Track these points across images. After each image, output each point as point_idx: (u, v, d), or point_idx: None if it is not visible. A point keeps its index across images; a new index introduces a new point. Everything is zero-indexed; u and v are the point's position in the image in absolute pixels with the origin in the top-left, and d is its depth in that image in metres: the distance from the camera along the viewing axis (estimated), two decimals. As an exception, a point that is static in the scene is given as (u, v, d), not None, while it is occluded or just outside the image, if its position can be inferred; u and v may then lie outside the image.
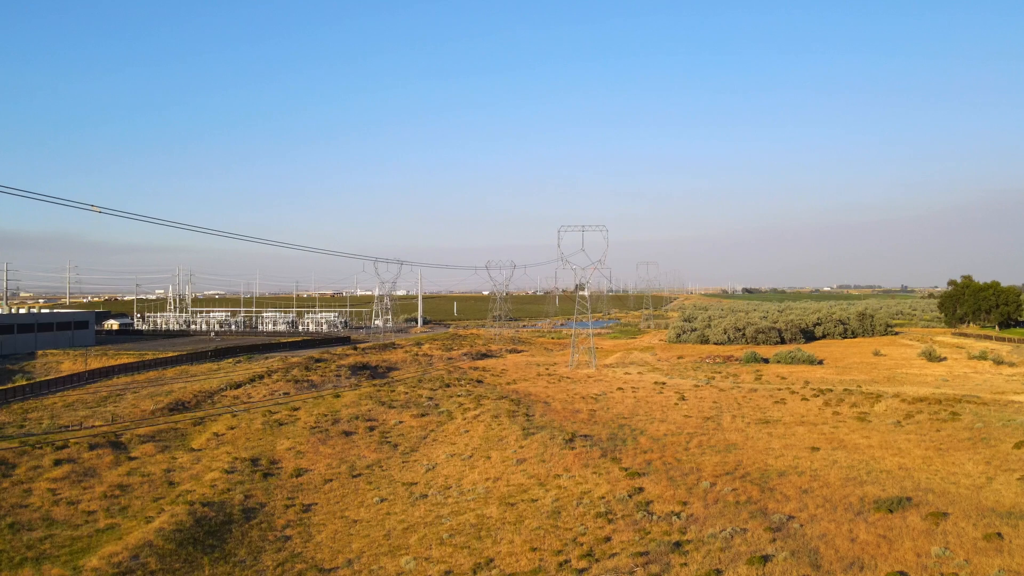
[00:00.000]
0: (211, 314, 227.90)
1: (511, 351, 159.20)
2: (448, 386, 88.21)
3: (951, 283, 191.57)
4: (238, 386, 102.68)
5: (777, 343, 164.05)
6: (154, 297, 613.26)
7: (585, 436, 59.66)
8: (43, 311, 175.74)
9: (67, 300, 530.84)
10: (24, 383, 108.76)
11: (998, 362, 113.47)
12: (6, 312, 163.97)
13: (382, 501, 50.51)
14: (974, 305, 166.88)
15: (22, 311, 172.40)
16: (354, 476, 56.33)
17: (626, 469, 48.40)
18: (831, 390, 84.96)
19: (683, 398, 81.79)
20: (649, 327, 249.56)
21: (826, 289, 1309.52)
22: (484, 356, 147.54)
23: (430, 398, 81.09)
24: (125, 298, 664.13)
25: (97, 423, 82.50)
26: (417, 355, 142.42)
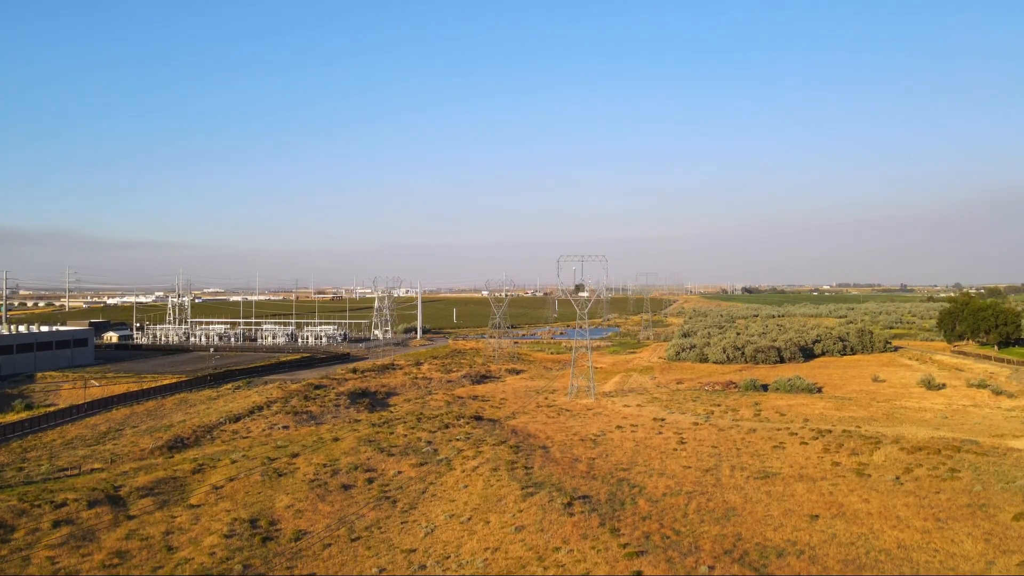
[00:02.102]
0: (210, 327, 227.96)
1: (510, 371, 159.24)
2: (447, 427, 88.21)
3: (950, 299, 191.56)
4: (237, 419, 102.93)
5: (776, 362, 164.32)
6: (153, 298, 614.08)
7: (584, 497, 59.64)
8: (42, 328, 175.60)
9: (67, 302, 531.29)
10: (24, 415, 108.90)
11: (997, 392, 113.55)
12: (5, 331, 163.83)
13: (381, 572, 50.50)
14: (973, 324, 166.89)
15: (21, 328, 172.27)
16: (353, 540, 56.27)
17: (625, 545, 48.38)
18: (830, 431, 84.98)
19: (682, 441, 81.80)
20: (648, 338, 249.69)
21: (825, 288, 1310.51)
22: (484, 378, 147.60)
23: (429, 442, 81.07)
24: (124, 299, 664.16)
25: (96, 465, 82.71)
26: (416, 378, 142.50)
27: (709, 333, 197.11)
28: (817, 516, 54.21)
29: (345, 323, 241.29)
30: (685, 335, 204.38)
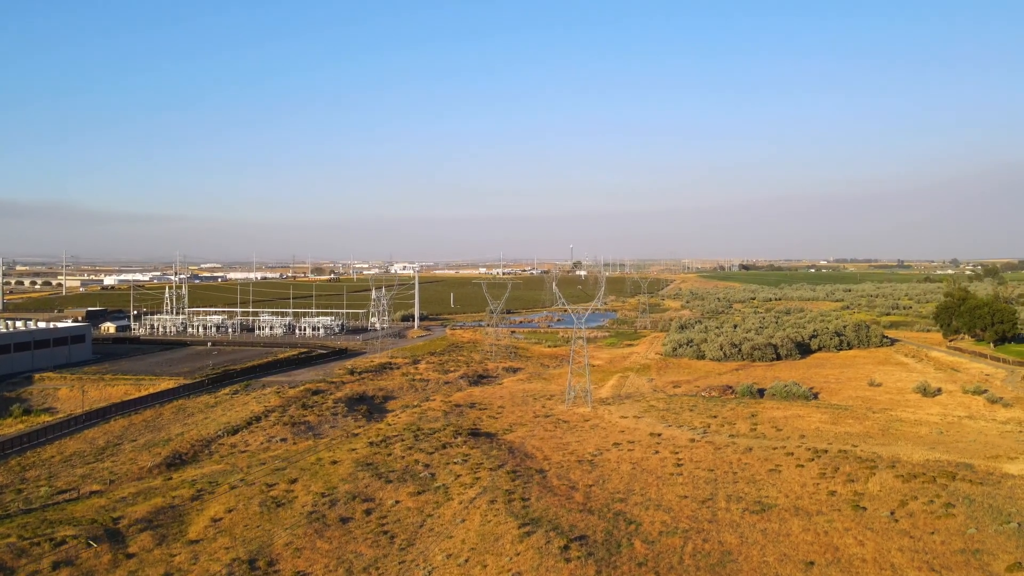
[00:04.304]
0: (207, 317, 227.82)
1: (507, 369, 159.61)
2: (445, 447, 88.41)
3: (947, 295, 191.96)
4: (235, 431, 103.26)
5: (773, 359, 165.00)
6: (149, 277, 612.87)
7: (580, 538, 59.90)
8: (39, 325, 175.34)
9: (64, 280, 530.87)
10: (23, 426, 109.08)
11: (992, 401, 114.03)
12: (2, 328, 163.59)
13: (379, 622, 50.89)
14: (969, 321, 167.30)
15: (19, 325, 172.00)
16: (351, 583, 56.64)
17: (621, 601, 48.74)
18: (826, 451, 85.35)
19: (679, 463, 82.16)
20: (646, 326, 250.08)
21: (823, 263, 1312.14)
22: (481, 378, 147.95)
23: (426, 465, 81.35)
24: (122, 277, 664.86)
25: (95, 487, 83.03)
26: (414, 380, 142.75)
27: (706, 328, 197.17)
28: (812, 563, 54.57)
29: (342, 312, 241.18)
30: (682, 328, 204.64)
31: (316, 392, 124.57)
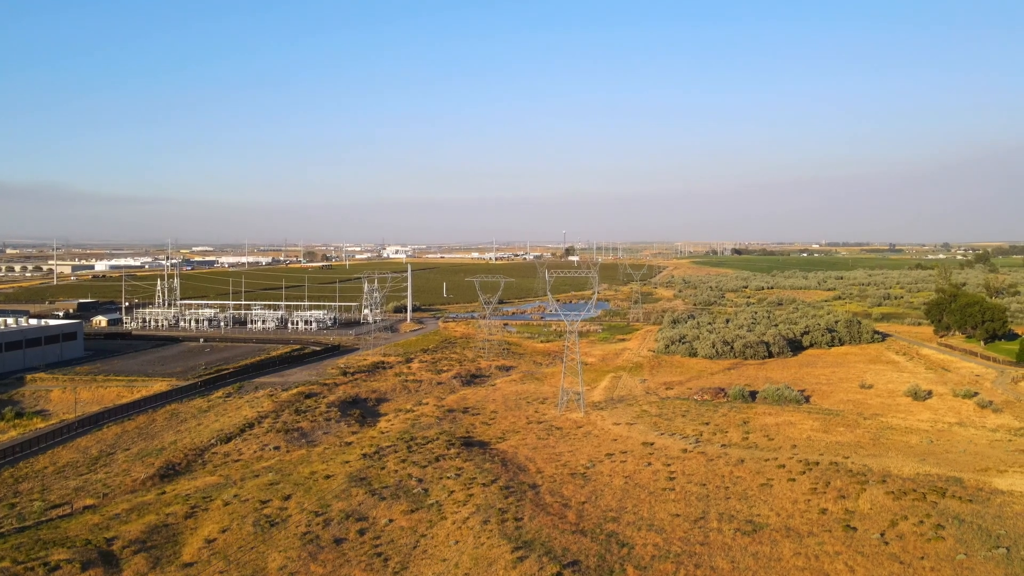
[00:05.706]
0: (199, 311, 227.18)
1: (501, 368, 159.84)
2: (438, 459, 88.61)
3: (938, 291, 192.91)
4: (228, 439, 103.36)
5: (765, 357, 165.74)
6: (140, 263, 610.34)
7: (573, 564, 60.29)
8: (31, 322, 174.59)
9: (55, 266, 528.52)
10: (16, 433, 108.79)
11: (982, 405, 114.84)
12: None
13: (374, 654, 51.17)
14: (960, 319, 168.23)
15: (9, 322, 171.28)
16: (346, 611, 56.90)
17: (614, 636, 49.10)
18: (817, 463, 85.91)
19: (671, 476, 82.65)
20: (638, 319, 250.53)
21: (815, 246, 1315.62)
22: (474, 378, 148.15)
23: (419, 479, 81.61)
24: (113, 262, 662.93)
25: (89, 501, 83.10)
26: (407, 380, 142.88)
27: (698, 324, 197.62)
28: (803, 592, 55.09)
29: (335, 306, 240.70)
30: (674, 323, 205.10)
31: (309, 396, 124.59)
